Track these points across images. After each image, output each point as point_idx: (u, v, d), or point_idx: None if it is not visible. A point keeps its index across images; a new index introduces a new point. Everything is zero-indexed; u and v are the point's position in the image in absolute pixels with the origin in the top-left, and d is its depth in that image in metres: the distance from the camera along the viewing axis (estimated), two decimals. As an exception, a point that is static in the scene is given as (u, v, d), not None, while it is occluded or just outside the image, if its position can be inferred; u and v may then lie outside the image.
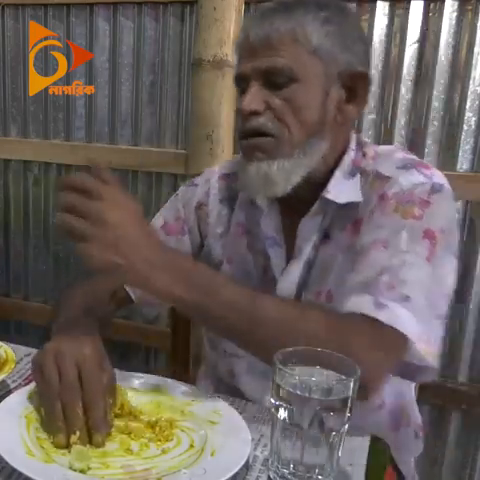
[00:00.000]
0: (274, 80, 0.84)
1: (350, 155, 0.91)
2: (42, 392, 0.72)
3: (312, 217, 0.90)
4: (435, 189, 0.84)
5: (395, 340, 0.76)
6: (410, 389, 1.00)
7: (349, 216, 0.88)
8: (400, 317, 0.76)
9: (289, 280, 0.92)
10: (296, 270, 0.92)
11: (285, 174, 0.86)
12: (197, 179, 1.07)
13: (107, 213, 0.70)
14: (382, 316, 0.75)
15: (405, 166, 0.87)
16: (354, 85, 0.88)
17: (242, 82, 0.88)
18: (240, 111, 0.87)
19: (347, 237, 0.88)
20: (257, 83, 0.85)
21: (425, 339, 0.76)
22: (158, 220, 1.05)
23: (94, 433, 0.69)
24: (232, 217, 1.00)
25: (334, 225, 0.90)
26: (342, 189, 0.88)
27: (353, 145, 0.92)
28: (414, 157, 0.91)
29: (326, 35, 0.84)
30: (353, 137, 0.93)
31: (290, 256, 0.93)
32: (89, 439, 0.69)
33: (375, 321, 0.75)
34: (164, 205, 1.08)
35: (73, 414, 0.69)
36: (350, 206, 0.88)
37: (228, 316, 0.75)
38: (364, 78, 0.88)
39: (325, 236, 0.90)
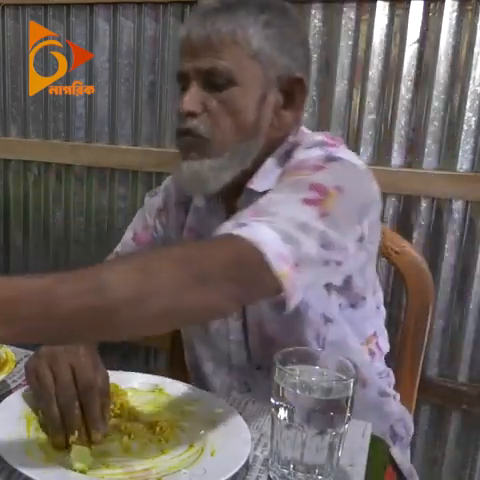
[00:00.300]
0: (213, 81, 0.85)
1: (284, 147, 0.91)
2: (38, 395, 0.72)
3: (243, 209, 0.90)
4: (331, 158, 0.83)
5: (255, 256, 0.68)
6: (361, 356, 0.98)
7: None
8: (262, 233, 0.70)
9: None
10: None
11: (215, 173, 0.87)
12: (159, 188, 1.09)
13: None
14: (241, 231, 0.70)
15: (311, 146, 0.87)
16: (292, 90, 0.88)
17: (183, 80, 0.89)
18: (178, 111, 0.88)
19: None
20: (196, 83, 0.87)
21: (287, 260, 0.70)
22: (128, 233, 1.08)
23: (92, 431, 0.69)
24: (186, 221, 1.02)
25: None
26: (268, 178, 0.89)
27: (291, 138, 0.92)
28: (329, 140, 0.89)
29: (266, 38, 0.85)
30: (296, 133, 0.93)
31: None
32: (88, 438, 0.69)
33: (235, 238, 0.69)
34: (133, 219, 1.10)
35: (70, 414, 0.69)
36: None
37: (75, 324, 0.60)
38: (301, 84, 0.88)
39: None
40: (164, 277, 0.63)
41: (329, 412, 0.62)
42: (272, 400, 0.65)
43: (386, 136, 1.47)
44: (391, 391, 1.04)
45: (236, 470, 0.65)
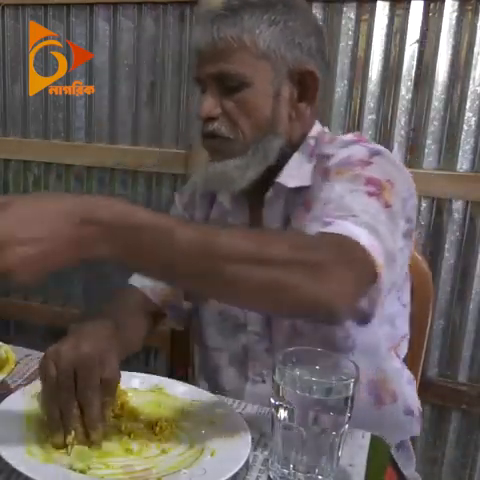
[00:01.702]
0: (227, 84, 0.89)
1: (308, 143, 0.93)
2: (42, 394, 0.72)
3: (271, 205, 0.93)
4: (374, 152, 0.86)
5: (356, 246, 0.71)
6: (391, 362, 0.97)
7: (301, 199, 0.91)
8: (351, 229, 0.72)
9: None
10: None
11: (241, 171, 0.90)
12: (187, 183, 1.13)
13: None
14: (330, 228, 0.72)
15: (347, 144, 0.90)
16: (304, 82, 0.90)
17: (200, 84, 0.93)
18: (198, 115, 0.91)
19: (301, 219, 0.90)
20: (212, 87, 0.90)
21: (380, 253, 0.72)
22: None
23: (90, 431, 0.69)
24: (210, 214, 1.03)
25: (291, 209, 0.92)
26: (297, 173, 0.91)
27: (314, 133, 0.94)
28: (360, 139, 0.92)
29: (273, 36, 0.87)
30: (315, 127, 0.95)
31: None
32: (87, 438, 0.69)
33: (329, 234, 0.71)
34: None
35: (69, 414, 0.69)
36: (301, 190, 0.91)
37: (188, 265, 0.63)
38: (312, 76, 0.90)
39: (286, 222, 0.93)
40: (276, 251, 0.64)
41: (329, 412, 0.62)
42: (272, 400, 0.65)
43: (386, 136, 1.47)
44: (416, 406, 1.00)
45: (236, 470, 0.65)
